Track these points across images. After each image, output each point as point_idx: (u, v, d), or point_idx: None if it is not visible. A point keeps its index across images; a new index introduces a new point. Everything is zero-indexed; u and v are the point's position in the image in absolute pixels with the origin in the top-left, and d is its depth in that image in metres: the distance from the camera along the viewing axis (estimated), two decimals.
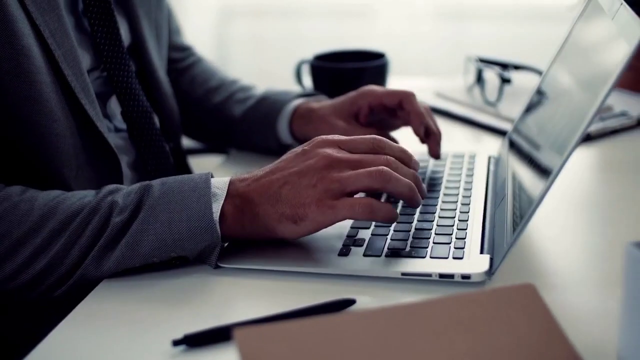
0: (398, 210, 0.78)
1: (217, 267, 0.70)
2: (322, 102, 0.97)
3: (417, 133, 0.90)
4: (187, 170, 1.05)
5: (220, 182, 0.71)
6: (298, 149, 0.73)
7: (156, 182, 0.72)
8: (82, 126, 0.79)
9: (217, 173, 0.97)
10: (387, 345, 0.51)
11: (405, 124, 0.94)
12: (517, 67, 1.23)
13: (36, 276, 0.68)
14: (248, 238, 0.72)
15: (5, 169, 0.76)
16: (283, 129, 0.98)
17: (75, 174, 0.78)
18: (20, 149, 0.75)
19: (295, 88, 1.09)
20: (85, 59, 0.83)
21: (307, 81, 1.25)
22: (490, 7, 1.96)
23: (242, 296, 0.68)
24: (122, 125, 0.90)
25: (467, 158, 0.93)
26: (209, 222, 0.68)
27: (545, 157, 0.67)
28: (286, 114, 0.98)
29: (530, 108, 0.88)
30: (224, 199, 0.70)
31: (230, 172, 0.96)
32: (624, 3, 0.68)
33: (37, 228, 0.68)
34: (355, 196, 0.69)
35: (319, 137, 0.74)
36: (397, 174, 0.69)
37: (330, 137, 0.73)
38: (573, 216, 0.83)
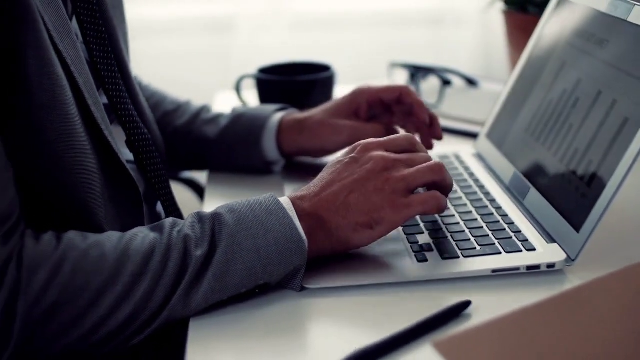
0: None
1: (302, 289, 0.68)
2: (311, 111, 0.97)
3: (424, 122, 0.92)
4: None
5: (285, 203, 0.69)
6: (344, 158, 0.73)
7: (223, 210, 0.68)
8: (105, 160, 0.72)
9: (206, 197, 0.93)
10: (569, 330, 0.53)
11: (402, 119, 0.95)
12: (448, 71, 1.29)
13: (119, 326, 0.62)
14: (319, 255, 0.70)
15: (35, 214, 0.68)
16: (269, 145, 0.96)
17: (104, 213, 0.71)
18: (53, 191, 0.67)
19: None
20: None
21: (247, 95, 1.23)
22: (353, 15, 2.02)
23: (342, 315, 0.66)
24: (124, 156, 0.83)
25: (454, 158, 0.97)
26: (298, 242, 0.66)
27: (600, 142, 0.71)
28: (271, 129, 0.96)
29: (510, 106, 0.95)
30: (297, 218, 0.68)
31: (217, 196, 0.93)
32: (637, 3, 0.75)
33: (116, 274, 0.62)
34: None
35: (360, 142, 0.74)
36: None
37: (371, 140, 0.74)
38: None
